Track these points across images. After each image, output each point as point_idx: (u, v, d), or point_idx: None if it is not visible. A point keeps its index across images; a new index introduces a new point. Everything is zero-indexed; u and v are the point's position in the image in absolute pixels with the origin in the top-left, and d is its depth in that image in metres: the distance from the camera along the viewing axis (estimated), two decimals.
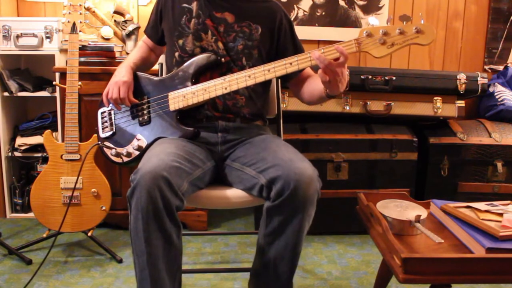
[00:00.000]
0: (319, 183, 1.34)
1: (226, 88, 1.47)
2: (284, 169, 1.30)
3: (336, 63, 1.30)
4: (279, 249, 1.36)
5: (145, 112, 1.60)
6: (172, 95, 1.55)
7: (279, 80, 1.86)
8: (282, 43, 1.62)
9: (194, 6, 1.58)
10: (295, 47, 1.64)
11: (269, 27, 1.60)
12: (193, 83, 1.53)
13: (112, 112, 1.67)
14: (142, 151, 1.56)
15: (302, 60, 1.39)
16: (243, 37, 1.57)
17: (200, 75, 1.55)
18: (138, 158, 1.57)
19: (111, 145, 1.64)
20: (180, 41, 1.59)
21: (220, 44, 1.56)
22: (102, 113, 1.70)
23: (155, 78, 1.63)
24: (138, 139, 1.59)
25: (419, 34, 1.28)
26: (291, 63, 1.40)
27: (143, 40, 1.78)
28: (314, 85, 1.53)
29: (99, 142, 1.68)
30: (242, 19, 1.57)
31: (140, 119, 1.60)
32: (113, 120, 1.66)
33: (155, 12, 1.68)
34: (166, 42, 1.67)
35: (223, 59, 1.56)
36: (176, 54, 1.60)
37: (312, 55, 1.33)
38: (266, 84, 1.68)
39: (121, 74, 1.60)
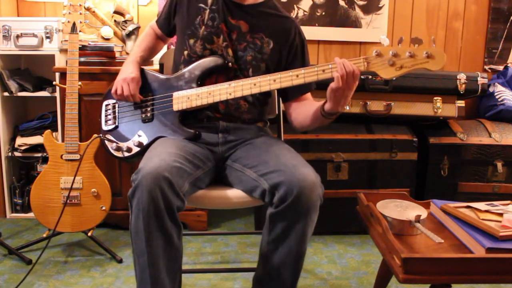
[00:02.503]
0: (322, 189, 1.34)
1: (230, 94, 1.47)
2: (287, 175, 1.30)
3: (352, 76, 1.29)
4: (282, 256, 1.36)
5: (148, 109, 1.60)
6: (176, 95, 1.55)
7: None
8: (291, 61, 1.60)
9: (211, 8, 1.56)
10: (303, 66, 1.61)
11: (281, 43, 1.58)
12: (199, 85, 1.53)
13: (117, 105, 1.66)
14: (143, 147, 1.56)
15: (309, 73, 1.38)
16: (254, 49, 1.55)
17: (206, 77, 1.55)
18: (138, 154, 1.57)
19: (112, 139, 1.63)
20: (191, 41, 1.57)
21: (230, 51, 1.55)
22: (106, 105, 1.69)
23: (162, 76, 1.63)
24: (140, 136, 1.59)
25: (429, 59, 1.27)
26: (297, 75, 1.39)
27: (152, 27, 1.75)
28: (311, 106, 1.51)
29: (101, 135, 1.68)
30: (256, 30, 1.55)
31: (143, 116, 1.60)
32: (116, 114, 1.66)
33: (169, 5, 1.65)
34: (177, 38, 1.66)
35: (230, 64, 1.55)
36: (185, 52, 1.59)
37: (336, 60, 1.32)
38: (269, 92, 1.66)
39: (129, 70, 1.59)
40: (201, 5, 1.57)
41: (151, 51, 1.75)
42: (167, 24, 1.70)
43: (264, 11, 1.58)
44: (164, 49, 1.93)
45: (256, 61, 1.56)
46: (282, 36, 1.58)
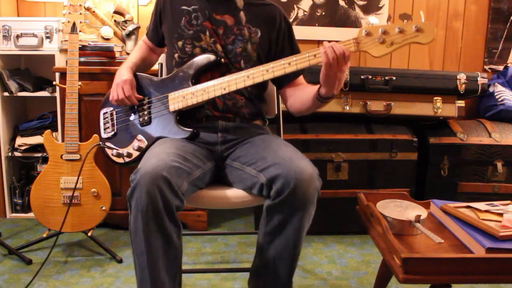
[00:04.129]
0: (319, 182, 1.34)
1: (225, 89, 1.47)
2: (284, 167, 1.30)
3: (343, 58, 1.29)
4: (279, 248, 1.36)
5: (145, 112, 1.60)
6: (172, 95, 1.55)
7: None
8: (280, 46, 1.62)
9: (193, 7, 1.58)
10: (292, 50, 1.63)
11: (268, 30, 1.60)
12: (193, 84, 1.54)
13: (114, 112, 1.67)
14: (143, 151, 1.57)
15: (301, 60, 1.38)
16: (242, 40, 1.56)
17: (200, 75, 1.56)
18: (139, 158, 1.57)
19: (112, 146, 1.64)
20: (180, 43, 1.59)
21: (219, 47, 1.56)
22: (104, 113, 1.70)
23: (156, 79, 1.64)
24: (139, 140, 1.59)
25: (419, 32, 1.27)
26: (289, 63, 1.40)
27: (143, 40, 1.78)
28: (307, 91, 1.52)
29: (101, 143, 1.69)
30: (242, 22, 1.57)
31: (141, 119, 1.61)
32: (114, 121, 1.67)
33: (155, 14, 1.69)
34: (166, 44, 1.67)
35: (222, 59, 1.56)
36: (176, 55, 1.60)
37: (325, 44, 1.32)
38: (264, 84, 1.67)
39: (121, 74, 1.61)
40: (184, 7, 1.58)
41: (144, 60, 1.76)
42: (156, 35, 1.72)
43: (247, 2, 1.60)
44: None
45: (247, 52, 1.57)
46: (268, 23, 1.60)
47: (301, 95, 1.56)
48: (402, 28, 1.28)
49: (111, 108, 1.68)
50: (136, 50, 1.77)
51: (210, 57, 1.54)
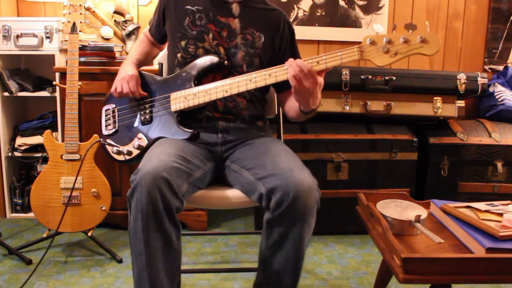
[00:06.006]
0: (319, 193, 1.33)
1: (227, 91, 1.47)
2: (283, 178, 1.29)
3: (302, 74, 1.28)
4: (280, 261, 1.35)
5: (147, 111, 1.60)
6: (174, 95, 1.55)
7: None
8: (282, 52, 1.62)
9: (197, 8, 1.57)
10: (293, 56, 1.62)
11: (272, 36, 1.59)
12: (196, 85, 1.53)
13: (116, 110, 1.67)
14: (143, 150, 1.57)
15: None
16: (246, 44, 1.56)
17: (203, 77, 1.55)
18: (139, 156, 1.57)
19: (112, 143, 1.64)
20: (183, 43, 1.58)
21: (221, 49, 1.56)
22: (106, 110, 1.70)
23: (158, 78, 1.64)
24: (139, 138, 1.59)
25: (423, 43, 1.27)
26: None
27: (145, 34, 1.78)
28: (294, 101, 1.51)
29: (101, 139, 1.69)
30: (246, 26, 1.57)
31: (142, 118, 1.61)
32: (116, 118, 1.67)
33: (158, 12, 1.68)
34: (169, 42, 1.67)
35: (226, 62, 1.56)
36: (179, 55, 1.60)
37: (289, 60, 1.31)
38: (267, 87, 1.67)
39: (127, 69, 1.61)
40: (188, 6, 1.58)
41: (147, 55, 1.76)
42: (158, 32, 1.72)
43: (252, 6, 1.59)
44: (164, 49, 1.93)
45: (249, 57, 1.57)
46: (272, 28, 1.60)
47: (291, 104, 1.56)
48: (407, 38, 1.27)
49: (114, 105, 1.68)
50: (138, 44, 1.76)
51: (214, 59, 1.54)
